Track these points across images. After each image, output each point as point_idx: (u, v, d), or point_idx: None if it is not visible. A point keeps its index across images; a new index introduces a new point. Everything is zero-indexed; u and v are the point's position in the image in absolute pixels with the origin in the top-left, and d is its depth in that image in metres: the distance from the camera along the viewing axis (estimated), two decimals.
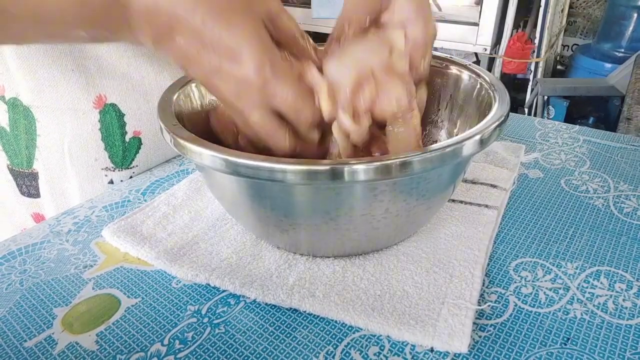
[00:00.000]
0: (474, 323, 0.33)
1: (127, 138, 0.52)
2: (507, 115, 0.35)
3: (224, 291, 0.37)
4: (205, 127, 0.39)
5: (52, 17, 0.29)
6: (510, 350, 0.32)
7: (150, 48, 0.31)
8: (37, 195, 0.53)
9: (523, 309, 0.35)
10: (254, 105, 0.31)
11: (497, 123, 0.33)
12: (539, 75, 1.94)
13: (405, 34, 0.36)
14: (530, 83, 1.95)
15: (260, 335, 0.33)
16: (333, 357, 0.32)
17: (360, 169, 0.29)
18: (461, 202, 0.46)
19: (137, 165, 0.54)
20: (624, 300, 0.35)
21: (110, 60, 0.49)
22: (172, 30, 0.29)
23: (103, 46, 0.48)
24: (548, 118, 1.83)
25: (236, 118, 0.34)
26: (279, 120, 0.32)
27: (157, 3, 0.29)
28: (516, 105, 1.99)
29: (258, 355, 0.32)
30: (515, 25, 1.88)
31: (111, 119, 0.50)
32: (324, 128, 0.35)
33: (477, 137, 0.31)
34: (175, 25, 0.29)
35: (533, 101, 1.90)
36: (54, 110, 0.48)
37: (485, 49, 1.82)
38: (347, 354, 0.32)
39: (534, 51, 1.89)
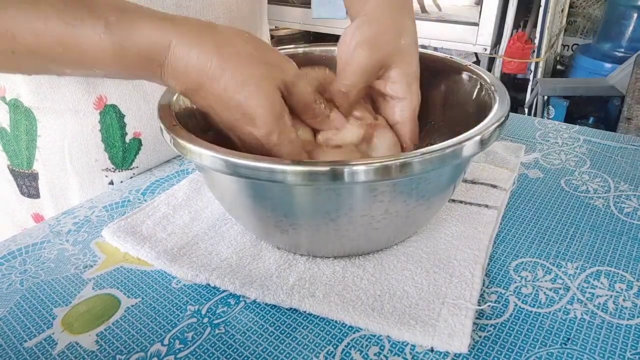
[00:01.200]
0: (474, 323, 0.33)
1: (127, 139, 0.52)
2: (507, 116, 0.35)
3: (224, 291, 0.37)
4: (204, 127, 0.39)
5: (88, 65, 0.32)
6: (510, 350, 0.32)
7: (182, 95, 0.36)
8: (37, 195, 0.53)
9: (523, 309, 0.35)
10: (267, 151, 0.35)
11: (497, 123, 0.33)
12: (539, 75, 1.94)
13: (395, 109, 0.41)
14: (530, 83, 1.95)
15: (260, 336, 0.33)
16: (333, 357, 0.32)
17: (361, 170, 0.29)
18: (461, 202, 0.46)
19: (137, 167, 0.54)
20: (624, 300, 0.35)
21: None
22: (200, 87, 0.33)
23: None
24: (548, 118, 1.83)
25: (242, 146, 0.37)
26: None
27: (187, 67, 0.32)
28: (516, 105, 1.99)
29: (258, 356, 0.32)
30: (515, 25, 1.88)
31: (111, 119, 0.50)
32: None
33: (477, 137, 0.31)
34: (199, 89, 0.33)
35: (533, 101, 1.90)
36: (55, 111, 0.48)
37: (485, 49, 1.82)
38: (347, 354, 0.32)
39: (534, 51, 1.89)
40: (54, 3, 0.30)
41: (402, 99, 0.41)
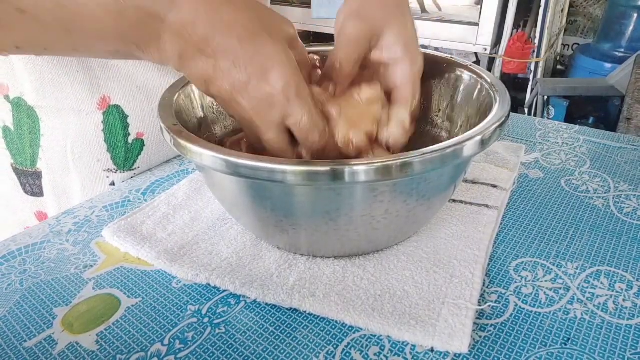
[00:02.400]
0: (474, 323, 0.33)
1: (130, 140, 0.52)
2: (508, 116, 0.35)
3: (224, 291, 0.37)
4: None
5: (85, 28, 0.30)
6: (510, 350, 0.32)
7: (174, 65, 0.32)
8: (40, 194, 0.53)
9: (523, 309, 0.35)
10: (272, 123, 0.33)
11: (498, 124, 0.33)
12: (539, 75, 1.94)
13: (395, 73, 0.38)
14: (530, 83, 1.95)
15: (260, 335, 0.33)
16: (333, 357, 0.32)
17: (361, 170, 0.29)
18: (461, 202, 0.46)
19: (138, 167, 0.54)
20: (624, 300, 0.35)
21: (115, 62, 0.49)
22: (202, 47, 0.31)
23: None
24: (548, 118, 1.83)
25: (249, 134, 0.35)
26: (290, 139, 0.34)
27: (195, 19, 0.30)
28: (516, 105, 2.00)
29: (258, 355, 0.32)
30: (515, 25, 1.88)
31: (114, 120, 0.50)
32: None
33: (478, 137, 0.31)
34: (208, 42, 0.30)
35: (533, 101, 1.90)
36: (58, 111, 0.48)
37: (485, 49, 1.82)
38: (348, 354, 0.32)
39: (534, 51, 1.89)
40: None
41: (400, 60, 0.38)
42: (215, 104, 0.44)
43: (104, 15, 0.29)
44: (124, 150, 0.52)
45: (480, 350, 0.32)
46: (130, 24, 0.30)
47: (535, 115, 1.90)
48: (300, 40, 0.34)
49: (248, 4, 0.32)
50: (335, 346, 0.32)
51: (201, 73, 0.32)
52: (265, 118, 0.32)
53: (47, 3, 0.29)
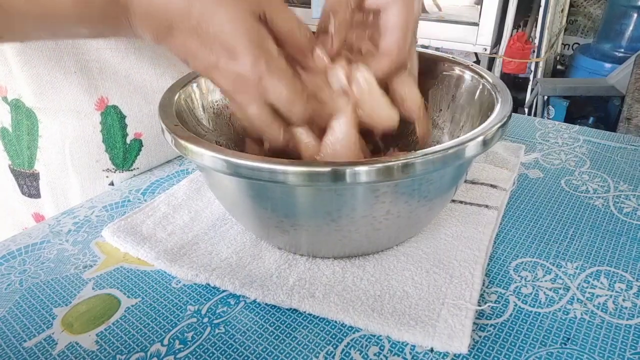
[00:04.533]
0: (474, 323, 0.33)
1: (128, 140, 0.52)
2: (510, 116, 0.35)
3: (224, 291, 0.37)
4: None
5: (55, 15, 0.30)
6: (510, 350, 0.32)
7: (152, 43, 0.32)
8: (37, 195, 0.53)
9: (523, 309, 0.35)
10: (251, 99, 0.32)
11: (499, 124, 0.33)
12: (539, 75, 1.94)
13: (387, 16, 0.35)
14: (530, 83, 1.95)
15: (260, 336, 0.33)
16: (333, 357, 0.32)
17: (362, 171, 0.29)
18: (461, 202, 0.46)
19: (137, 167, 0.54)
20: (623, 300, 0.35)
21: (113, 63, 0.49)
22: (170, 29, 0.30)
23: (106, 49, 0.48)
24: (548, 118, 1.83)
25: (236, 110, 0.35)
26: (274, 114, 0.33)
27: (151, 5, 0.30)
28: (516, 105, 2.00)
29: (258, 355, 0.32)
30: (515, 25, 1.88)
31: (112, 121, 0.50)
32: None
33: (480, 138, 0.31)
34: (173, 24, 0.30)
35: (533, 101, 1.90)
36: (56, 112, 0.48)
37: (485, 49, 1.82)
38: (347, 354, 0.32)
39: (534, 51, 1.89)
40: None
41: (389, 5, 0.35)
42: (215, 103, 0.44)
43: (72, 5, 0.30)
44: (122, 150, 0.52)
45: (480, 350, 0.32)
46: (99, 11, 0.30)
47: (535, 115, 1.90)
48: (282, 7, 0.32)
49: None
50: (335, 346, 0.32)
51: (177, 52, 0.32)
52: (243, 95, 0.32)
53: None
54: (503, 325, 0.34)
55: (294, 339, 0.33)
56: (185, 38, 0.30)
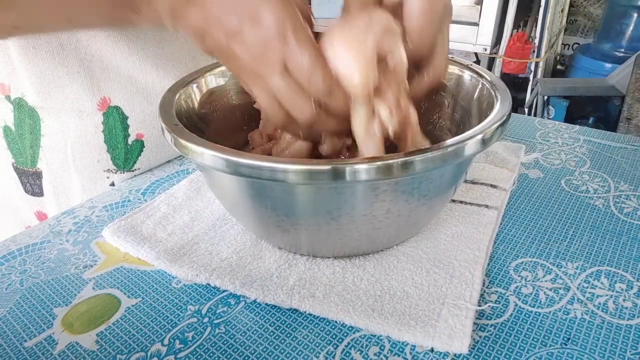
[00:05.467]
0: (474, 323, 0.33)
1: (129, 140, 0.52)
2: (509, 115, 0.35)
3: (224, 291, 0.37)
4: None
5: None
6: (510, 350, 0.32)
7: (169, 23, 0.31)
8: (40, 194, 0.53)
9: (523, 309, 0.35)
10: (274, 68, 0.30)
11: (499, 123, 0.33)
12: (539, 75, 1.94)
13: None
14: (530, 83, 1.95)
15: (260, 335, 0.33)
16: (333, 357, 0.32)
17: (362, 169, 0.29)
18: (461, 202, 0.46)
19: (138, 168, 0.54)
20: (624, 300, 0.35)
21: (116, 63, 0.49)
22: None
23: (109, 49, 0.48)
24: (548, 118, 1.83)
25: (256, 91, 0.32)
26: (299, 84, 0.31)
27: None
28: (516, 105, 2.00)
29: (258, 355, 0.32)
30: (515, 25, 1.88)
31: (114, 121, 0.50)
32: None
33: (479, 136, 0.31)
34: None
35: (533, 101, 1.90)
36: (59, 111, 0.48)
37: (485, 49, 1.82)
38: (348, 354, 0.32)
39: (534, 51, 1.89)
40: None
41: None
42: (215, 103, 0.44)
43: None
44: (124, 151, 0.52)
45: (480, 350, 0.32)
46: None
47: (535, 115, 1.90)
48: None
49: None
50: (335, 346, 0.32)
51: (195, 26, 0.30)
52: (266, 64, 0.30)
53: None
54: (503, 325, 0.34)
55: (294, 339, 0.33)
56: (206, 7, 0.29)
